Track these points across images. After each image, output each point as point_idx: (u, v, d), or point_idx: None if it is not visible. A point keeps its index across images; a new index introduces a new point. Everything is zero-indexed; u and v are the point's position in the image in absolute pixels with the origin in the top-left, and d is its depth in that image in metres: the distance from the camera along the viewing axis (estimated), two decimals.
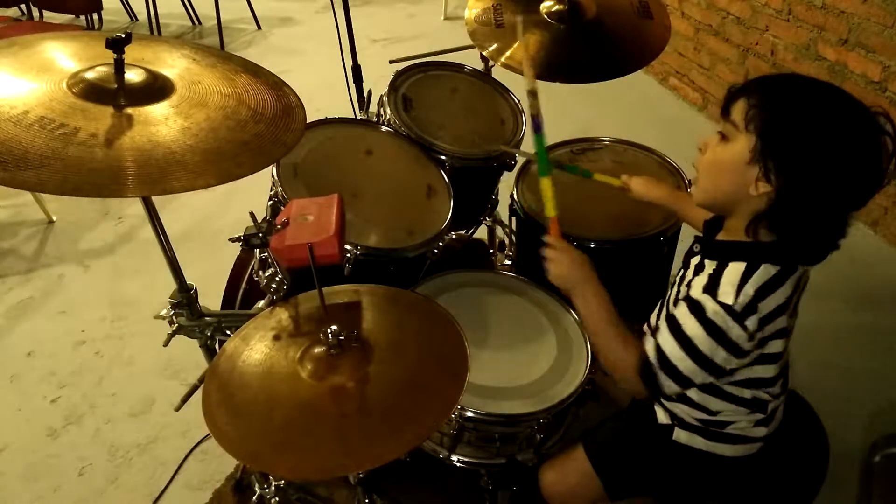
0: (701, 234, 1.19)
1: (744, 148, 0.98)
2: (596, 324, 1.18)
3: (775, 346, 1.07)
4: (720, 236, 1.10)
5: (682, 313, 1.02)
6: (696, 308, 1.00)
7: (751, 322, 0.99)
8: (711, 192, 1.08)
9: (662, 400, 1.22)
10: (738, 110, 0.99)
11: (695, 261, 1.11)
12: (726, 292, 0.98)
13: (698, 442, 1.18)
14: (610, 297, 1.19)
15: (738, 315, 0.98)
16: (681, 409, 1.18)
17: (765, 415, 1.15)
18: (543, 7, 1.72)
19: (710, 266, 1.04)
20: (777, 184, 0.96)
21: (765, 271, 0.99)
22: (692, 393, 1.14)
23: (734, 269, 1.00)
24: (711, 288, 1.00)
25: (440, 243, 1.46)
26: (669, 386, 1.05)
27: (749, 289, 0.98)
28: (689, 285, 1.05)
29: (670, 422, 1.20)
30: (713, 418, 1.15)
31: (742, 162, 0.98)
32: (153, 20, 4.33)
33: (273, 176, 1.41)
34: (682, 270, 1.15)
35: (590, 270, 1.22)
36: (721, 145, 1.03)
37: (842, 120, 0.94)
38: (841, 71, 2.60)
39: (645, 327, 1.26)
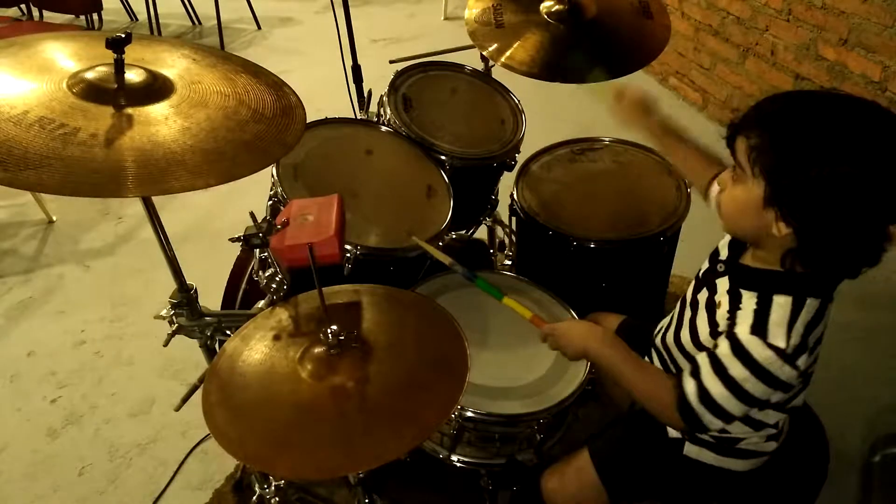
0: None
1: (756, 192, 0.94)
2: (622, 374, 1.11)
3: (811, 368, 1.06)
4: (750, 262, 1.05)
5: (727, 355, 0.97)
6: (742, 352, 0.96)
7: (802, 360, 0.96)
8: (736, 230, 1.06)
9: None
10: (741, 151, 0.96)
11: (723, 285, 1.06)
12: (777, 334, 0.95)
13: (708, 457, 1.17)
14: (621, 341, 1.15)
15: (790, 357, 0.95)
16: None
17: (777, 430, 1.15)
18: (543, 7, 1.72)
19: (749, 299, 0.99)
20: (797, 224, 0.93)
21: (810, 306, 0.96)
22: None
23: (781, 307, 0.96)
24: (760, 329, 0.96)
25: (440, 243, 1.46)
26: (713, 423, 1.01)
27: (799, 327, 0.95)
28: (731, 320, 1.00)
29: (681, 436, 1.19)
30: (726, 435, 1.14)
31: (757, 205, 0.95)
32: (153, 20, 4.33)
33: (273, 176, 1.41)
34: (708, 293, 1.10)
35: (589, 327, 1.20)
36: (735, 186, 1.00)
37: (851, 145, 0.88)
38: (841, 71, 2.60)
39: (657, 341, 1.24)
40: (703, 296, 1.11)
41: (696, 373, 1.01)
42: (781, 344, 0.94)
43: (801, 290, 0.97)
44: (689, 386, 1.01)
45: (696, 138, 1.31)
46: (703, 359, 1.01)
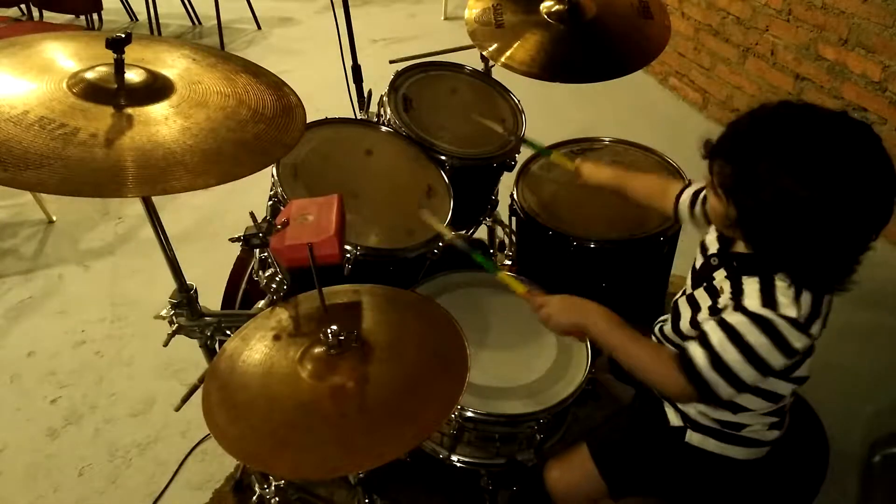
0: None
1: (728, 211, 0.99)
2: (617, 347, 1.12)
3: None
4: (743, 249, 1.07)
5: (742, 323, 0.98)
6: (760, 320, 0.97)
7: (815, 328, 0.99)
8: (722, 232, 1.10)
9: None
10: (714, 170, 1.00)
11: (720, 274, 1.08)
12: (786, 305, 0.97)
13: (711, 444, 1.17)
14: (616, 315, 1.15)
15: (803, 325, 0.97)
16: (695, 411, 1.17)
17: (779, 417, 1.15)
18: (543, 7, 1.72)
19: (750, 283, 1.01)
20: (758, 248, 1.00)
21: None
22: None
23: (783, 283, 0.98)
24: (770, 303, 0.98)
25: (440, 243, 1.46)
26: (726, 390, 1.01)
27: (805, 298, 0.97)
28: (735, 299, 1.01)
29: (682, 424, 1.19)
30: (731, 420, 1.14)
31: (730, 221, 1.00)
32: (153, 20, 4.33)
33: (273, 176, 1.41)
34: (707, 284, 1.10)
35: (584, 301, 1.18)
36: (713, 197, 1.03)
37: (810, 171, 0.90)
38: (841, 71, 2.60)
39: (656, 330, 1.24)
40: (702, 289, 1.12)
41: (705, 341, 1.01)
42: (793, 314, 0.96)
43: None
44: (698, 354, 1.01)
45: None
46: (711, 327, 1.01)
